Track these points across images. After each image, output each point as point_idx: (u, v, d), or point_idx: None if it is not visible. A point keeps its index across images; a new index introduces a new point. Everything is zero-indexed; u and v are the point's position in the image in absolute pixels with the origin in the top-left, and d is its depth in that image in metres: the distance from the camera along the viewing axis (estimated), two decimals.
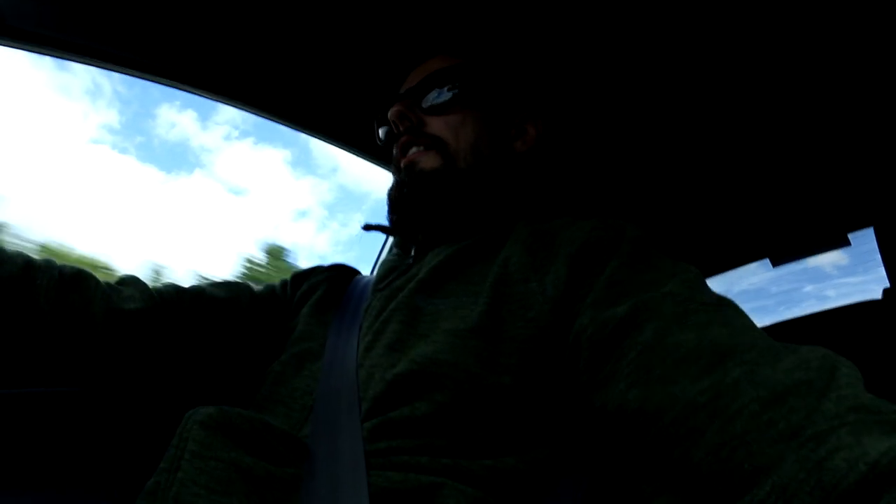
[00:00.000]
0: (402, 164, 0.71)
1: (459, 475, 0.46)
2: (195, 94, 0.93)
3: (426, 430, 0.48)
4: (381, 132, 0.81)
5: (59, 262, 0.62)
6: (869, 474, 0.27)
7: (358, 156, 1.15)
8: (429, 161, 0.68)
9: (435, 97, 0.71)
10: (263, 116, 1.02)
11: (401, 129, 0.71)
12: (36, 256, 0.61)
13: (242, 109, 1.00)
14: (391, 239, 1.19)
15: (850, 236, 1.30)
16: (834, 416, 0.31)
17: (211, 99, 0.96)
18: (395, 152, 0.73)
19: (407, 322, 0.56)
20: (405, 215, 0.70)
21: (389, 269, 0.71)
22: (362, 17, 0.83)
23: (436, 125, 0.70)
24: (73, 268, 0.62)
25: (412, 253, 0.72)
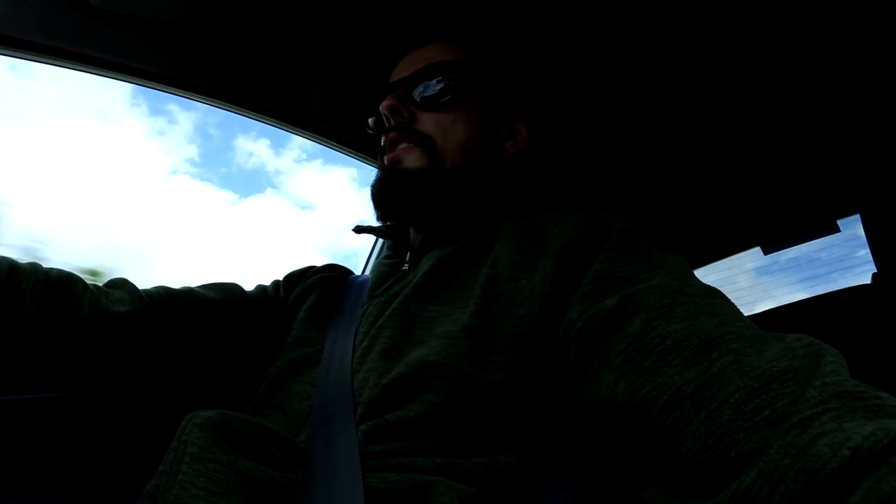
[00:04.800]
0: (386, 161, 0.70)
1: (453, 473, 0.46)
2: (192, 98, 0.93)
3: (420, 430, 0.48)
4: (370, 121, 0.80)
5: (44, 265, 0.61)
6: (852, 459, 0.27)
7: (348, 154, 1.15)
8: (413, 160, 0.68)
9: (429, 91, 0.70)
10: (258, 119, 1.01)
11: (392, 122, 0.70)
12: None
13: (240, 113, 0.99)
14: (381, 240, 1.19)
15: (840, 223, 1.31)
16: (818, 402, 0.31)
17: (209, 104, 0.96)
18: (382, 144, 0.72)
19: (402, 328, 0.57)
20: (387, 208, 0.69)
21: (385, 275, 0.71)
22: (355, 12, 0.82)
23: (427, 122, 0.69)
24: (60, 271, 0.61)
25: (406, 258, 0.72)
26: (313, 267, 0.84)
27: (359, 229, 0.78)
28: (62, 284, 0.60)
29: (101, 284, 0.67)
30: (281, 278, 0.83)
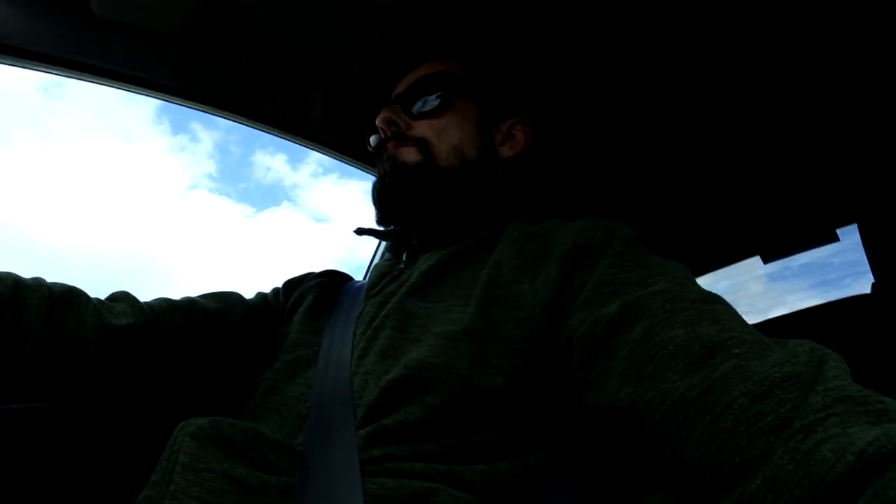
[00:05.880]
0: (384, 157, 0.72)
1: (453, 481, 0.46)
2: (195, 108, 0.93)
3: (419, 435, 0.48)
4: (372, 140, 0.82)
5: (48, 280, 0.61)
6: (856, 464, 0.27)
7: (349, 164, 1.15)
8: (410, 155, 0.70)
9: (422, 103, 0.73)
10: (260, 129, 1.02)
11: (388, 134, 0.73)
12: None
13: (242, 123, 1.00)
14: (384, 244, 1.19)
15: (840, 232, 1.31)
16: (821, 407, 0.31)
17: (212, 114, 0.96)
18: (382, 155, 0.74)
19: (399, 328, 0.57)
20: (386, 207, 0.71)
21: (382, 275, 0.72)
22: (356, 24, 0.83)
23: (421, 128, 0.72)
24: (63, 286, 0.62)
25: (404, 258, 0.72)
26: (312, 273, 0.85)
27: (360, 231, 0.79)
28: (66, 299, 0.60)
29: (103, 298, 0.68)
30: (280, 285, 0.83)
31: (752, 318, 1.38)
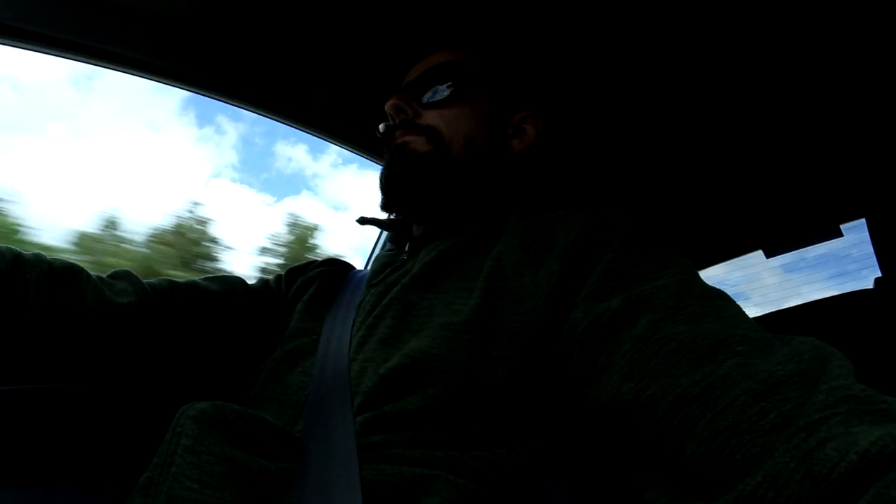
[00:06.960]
0: (393, 146, 0.70)
1: (452, 467, 0.46)
2: (194, 91, 0.92)
3: (419, 423, 0.48)
4: (381, 126, 0.81)
5: (49, 256, 0.61)
6: (859, 464, 0.27)
7: (357, 153, 1.14)
8: (420, 144, 0.68)
9: (432, 92, 0.71)
10: (263, 114, 1.01)
11: (397, 121, 0.71)
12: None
13: (245, 108, 0.99)
14: (385, 233, 1.19)
15: (846, 227, 1.30)
16: (825, 406, 0.31)
17: (211, 98, 0.95)
18: (389, 143, 0.73)
19: (400, 317, 0.56)
20: (393, 196, 0.70)
21: (383, 265, 0.71)
22: (366, 13, 0.82)
23: (431, 117, 0.70)
24: (63, 262, 0.62)
25: (406, 248, 0.72)
26: (315, 261, 0.85)
27: (362, 220, 0.78)
28: (66, 275, 0.60)
29: (104, 275, 0.67)
30: (283, 272, 0.83)
31: (765, 310, 1.38)
